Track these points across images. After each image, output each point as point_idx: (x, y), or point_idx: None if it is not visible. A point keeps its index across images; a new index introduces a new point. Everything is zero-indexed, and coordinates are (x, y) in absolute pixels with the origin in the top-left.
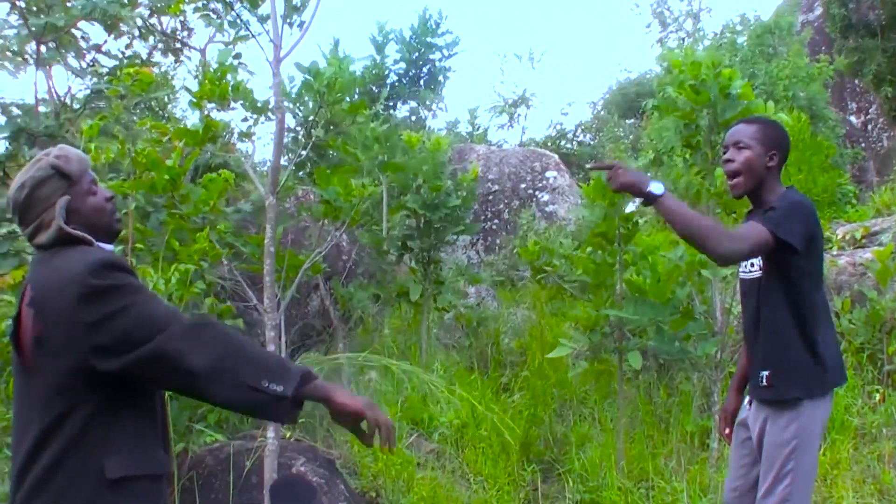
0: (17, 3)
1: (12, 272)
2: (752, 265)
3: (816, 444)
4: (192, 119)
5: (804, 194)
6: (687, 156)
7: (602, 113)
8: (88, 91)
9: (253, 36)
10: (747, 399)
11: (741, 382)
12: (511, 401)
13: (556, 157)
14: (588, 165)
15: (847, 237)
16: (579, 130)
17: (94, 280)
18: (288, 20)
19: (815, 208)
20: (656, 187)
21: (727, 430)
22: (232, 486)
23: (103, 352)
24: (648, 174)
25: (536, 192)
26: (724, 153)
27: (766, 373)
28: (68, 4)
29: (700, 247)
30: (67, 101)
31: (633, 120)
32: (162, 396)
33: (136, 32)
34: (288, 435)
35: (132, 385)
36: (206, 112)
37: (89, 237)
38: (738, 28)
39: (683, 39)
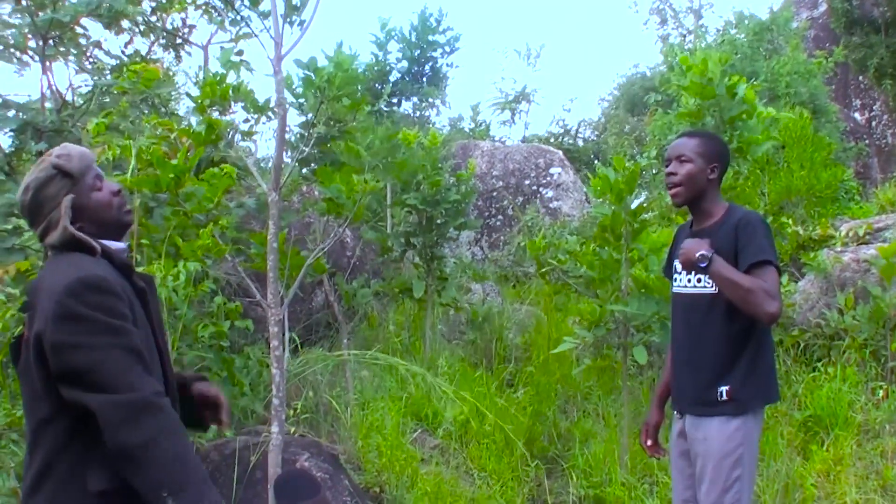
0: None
1: (16, 263)
2: (699, 280)
3: (757, 453)
4: (196, 116)
5: (757, 213)
6: None
7: (609, 109)
8: (91, 87)
9: (254, 34)
10: (676, 412)
11: (664, 396)
12: (515, 396)
13: (560, 153)
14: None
15: (851, 234)
16: (582, 126)
17: (68, 301)
18: (288, 19)
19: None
20: (704, 256)
21: (649, 443)
22: (237, 481)
23: (55, 374)
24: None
25: (540, 189)
26: (667, 166)
27: (725, 388)
28: (72, 0)
29: (749, 308)
30: (69, 97)
31: (636, 117)
32: None
33: (138, 29)
34: (292, 430)
35: None
36: (208, 114)
37: (93, 243)
38: (736, 25)
39: (685, 36)
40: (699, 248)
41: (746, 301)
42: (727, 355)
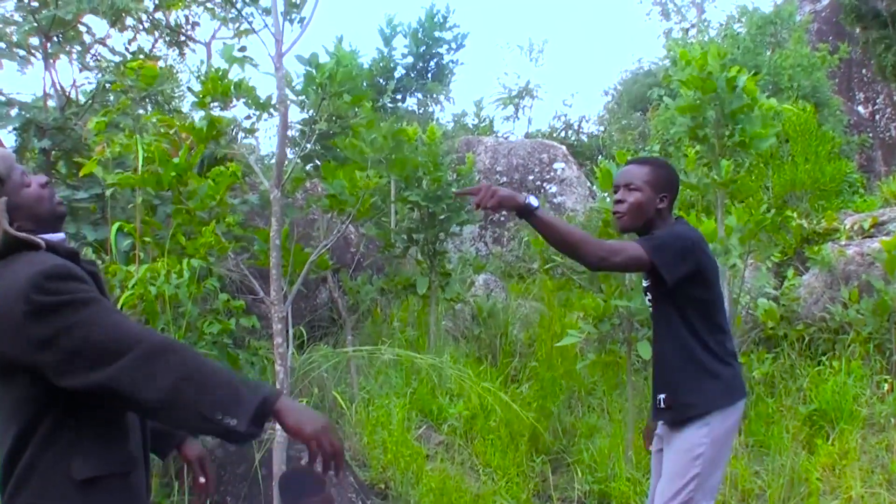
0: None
1: None
2: (649, 299)
3: (724, 454)
4: (198, 112)
5: (692, 227)
6: (696, 148)
7: (612, 104)
8: (94, 85)
9: (254, 31)
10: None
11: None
12: (520, 392)
13: (564, 148)
14: (453, 191)
15: (855, 227)
16: (584, 122)
17: (36, 297)
18: (288, 17)
19: (701, 240)
20: (533, 200)
21: (653, 448)
22: (241, 477)
23: (52, 370)
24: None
25: (544, 184)
26: (616, 192)
27: (662, 396)
28: None
29: (573, 252)
30: (73, 95)
31: (639, 113)
32: None
33: (142, 26)
34: None
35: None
36: (209, 110)
37: (35, 239)
38: (739, 19)
39: (687, 30)
40: (516, 193)
41: (569, 245)
42: (667, 364)
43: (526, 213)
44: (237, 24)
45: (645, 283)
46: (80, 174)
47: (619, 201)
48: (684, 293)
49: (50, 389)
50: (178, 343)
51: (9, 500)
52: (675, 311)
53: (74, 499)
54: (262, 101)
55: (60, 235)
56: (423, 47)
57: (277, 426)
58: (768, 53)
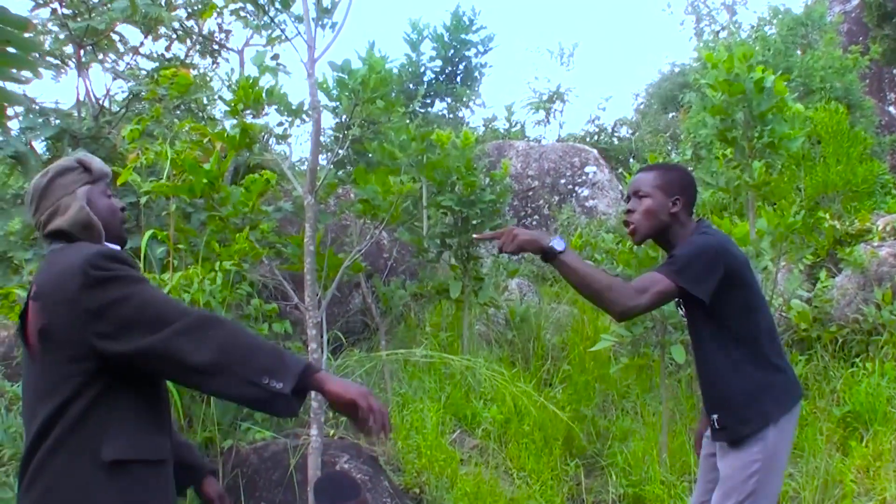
0: (59, 10)
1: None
2: (682, 312)
3: (781, 466)
4: (231, 120)
5: (713, 231)
6: (727, 151)
7: (643, 106)
8: (128, 93)
9: (287, 38)
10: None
11: None
12: (553, 395)
13: (595, 151)
14: (474, 236)
15: (888, 228)
16: (618, 125)
17: (93, 271)
18: (320, 22)
19: (725, 242)
20: (557, 243)
21: (702, 452)
22: (276, 484)
23: (107, 338)
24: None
25: (576, 188)
26: (627, 202)
27: (715, 416)
28: (106, 7)
29: (599, 303)
30: (106, 103)
31: (673, 114)
32: (166, 385)
33: (175, 35)
34: (331, 433)
35: (135, 372)
36: (242, 117)
37: (101, 227)
38: (770, 21)
39: (718, 32)
40: (540, 235)
41: (593, 294)
42: (714, 382)
43: (549, 256)
44: (270, 32)
45: (677, 302)
46: (117, 183)
47: (628, 211)
48: (721, 301)
49: (92, 368)
50: (223, 317)
51: (30, 481)
52: (716, 322)
53: (100, 481)
54: (294, 108)
55: (117, 247)
56: (451, 51)
57: (312, 431)
58: (798, 54)
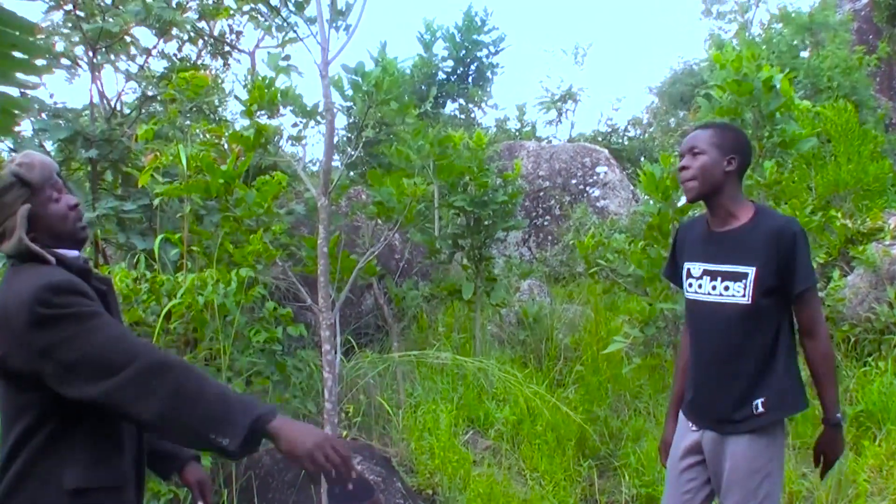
0: (73, 11)
1: None
2: (727, 288)
3: (783, 463)
4: (243, 121)
5: (786, 217)
6: None
7: (654, 105)
8: (140, 95)
9: (300, 39)
10: (692, 425)
11: (678, 410)
12: (566, 396)
13: (606, 151)
14: None
15: None
16: (629, 125)
17: (39, 308)
18: (334, 24)
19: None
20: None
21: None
22: (289, 485)
23: (53, 379)
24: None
25: (587, 188)
26: (681, 160)
27: (760, 400)
28: (120, 9)
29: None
30: (118, 105)
31: (683, 112)
32: None
33: (187, 36)
34: (345, 434)
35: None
36: (256, 118)
37: (45, 255)
38: (781, 20)
39: (735, 32)
40: (838, 446)
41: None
42: (762, 366)
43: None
44: (283, 34)
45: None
46: (139, 184)
47: (683, 168)
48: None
49: (50, 399)
50: (176, 360)
51: (4, 501)
52: (781, 311)
53: None
54: (308, 109)
55: (75, 252)
56: (463, 51)
57: (326, 431)
58: (805, 54)
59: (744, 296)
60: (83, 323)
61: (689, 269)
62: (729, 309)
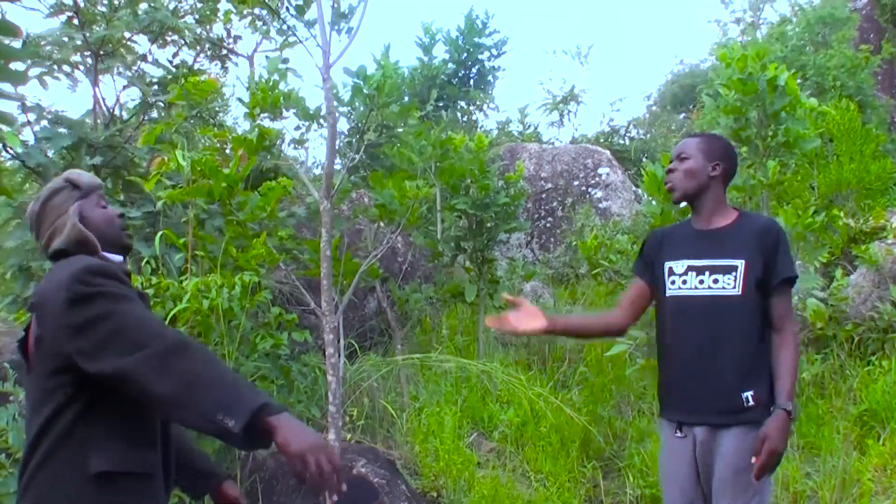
0: (74, 18)
1: None
2: (715, 281)
3: None
4: (244, 126)
5: (765, 217)
6: (741, 150)
7: (655, 108)
8: (139, 101)
9: (301, 42)
10: (678, 431)
11: (579, 327)
12: (570, 397)
13: (608, 153)
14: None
15: None
16: (631, 126)
17: (78, 286)
18: (336, 27)
19: None
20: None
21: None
22: (293, 488)
23: (84, 355)
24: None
25: (589, 189)
26: (670, 165)
27: (749, 393)
28: (120, 15)
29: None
30: (117, 111)
31: (683, 114)
32: None
33: (184, 41)
34: (349, 437)
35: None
36: (258, 121)
37: (96, 241)
38: (792, 18)
39: (743, 30)
40: (784, 434)
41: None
42: (749, 360)
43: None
44: (284, 38)
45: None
46: (146, 190)
47: (670, 171)
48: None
49: (78, 382)
50: (196, 344)
51: (23, 490)
52: (762, 302)
53: (88, 493)
54: (311, 112)
55: (118, 258)
56: (465, 54)
57: (330, 435)
58: (810, 50)
59: (734, 287)
60: (118, 302)
61: (670, 268)
62: (720, 301)
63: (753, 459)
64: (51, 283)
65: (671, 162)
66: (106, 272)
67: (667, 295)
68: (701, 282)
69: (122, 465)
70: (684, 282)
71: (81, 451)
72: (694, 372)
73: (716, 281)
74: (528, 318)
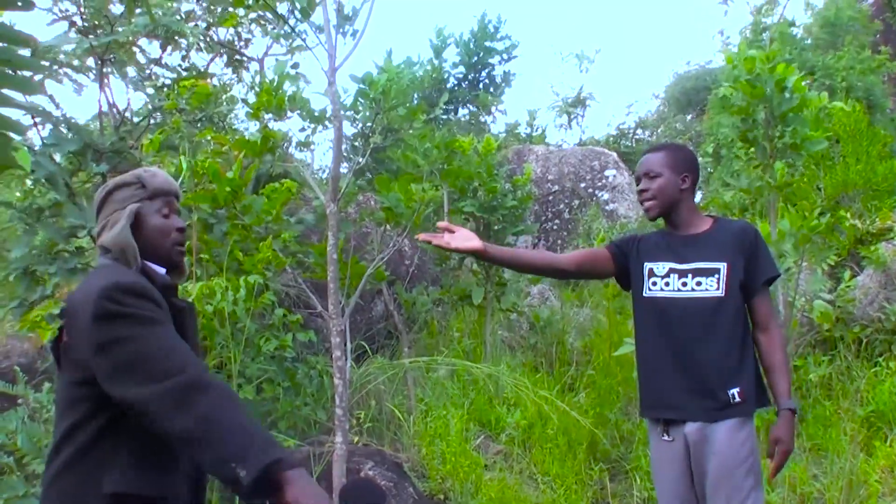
0: (78, 22)
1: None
2: (699, 283)
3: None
4: (252, 130)
5: (740, 220)
6: (748, 150)
7: (662, 108)
8: (148, 105)
9: (308, 47)
10: (665, 435)
11: (510, 255)
12: (577, 400)
13: (615, 154)
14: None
15: None
16: (638, 127)
17: (104, 302)
18: (340, 30)
19: None
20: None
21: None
22: None
23: (104, 375)
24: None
25: (596, 191)
26: (638, 184)
27: (735, 390)
28: (129, 21)
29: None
30: (129, 114)
31: (691, 115)
32: None
33: (193, 45)
34: (356, 440)
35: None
36: (263, 123)
37: (136, 253)
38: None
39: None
40: (792, 433)
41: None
42: (736, 357)
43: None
44: (291, 41)
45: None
46: None
47: (642, 191)
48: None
49: (100, 397)
50: (218, 382)
51: (44, 496)
52: (743, 302)
53: None
54: (316, 115)
55: (162, 269)
56: (475, 58)
57: (337, 438)
58: (822, 55)
59: (717, 289)
60: (144, 326)
61: (651, 269)
62: (702, 303)
63: (768, 461)
64: (81, 292)
65: (639, 181)
66: (137, 291)
67: (644, 295)
68: (684, 284)
69: (135, 488)
70: (666, 284)
71: (97, 469)
72: (679, 370)
73: (699, 283)
74: (462, 239)
